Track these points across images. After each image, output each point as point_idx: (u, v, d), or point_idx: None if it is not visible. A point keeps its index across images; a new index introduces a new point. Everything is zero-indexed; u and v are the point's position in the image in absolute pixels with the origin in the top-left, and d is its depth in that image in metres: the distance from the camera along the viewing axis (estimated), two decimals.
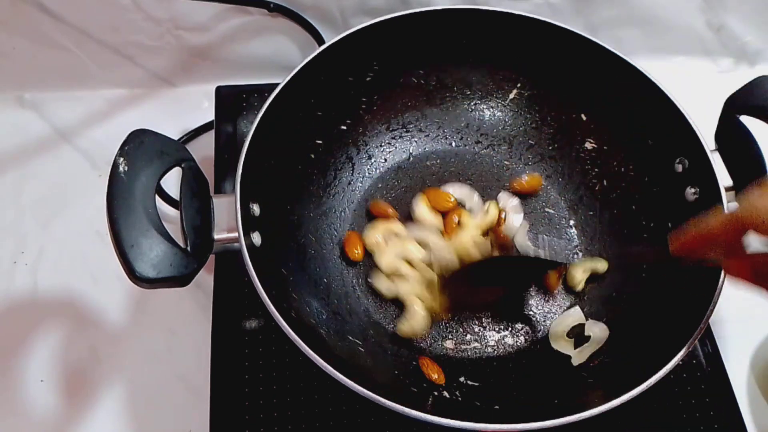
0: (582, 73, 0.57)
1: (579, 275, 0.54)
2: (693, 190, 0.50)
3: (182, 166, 0.44)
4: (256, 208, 0.48)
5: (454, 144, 0.62)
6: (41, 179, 0.64)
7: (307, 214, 0.56)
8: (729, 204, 0.47)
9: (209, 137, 0.65)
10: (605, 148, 0.59)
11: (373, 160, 0.61)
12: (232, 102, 0.66)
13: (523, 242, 0.56)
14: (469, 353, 0.52)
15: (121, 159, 0.40)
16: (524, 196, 0.60)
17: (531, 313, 0.54)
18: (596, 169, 0.59)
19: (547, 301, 0.55)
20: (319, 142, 0.58)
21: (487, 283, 0.52)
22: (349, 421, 0.49)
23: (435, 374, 0.48)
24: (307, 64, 0.51)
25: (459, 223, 0.56)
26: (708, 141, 0.49)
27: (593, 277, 0.55)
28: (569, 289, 0.55)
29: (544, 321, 0.54)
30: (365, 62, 0.57)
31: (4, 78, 0.68)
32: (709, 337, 0.55)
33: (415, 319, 0.51)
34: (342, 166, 0.59)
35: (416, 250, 0.54)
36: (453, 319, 0.53)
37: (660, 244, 0.41)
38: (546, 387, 0.48)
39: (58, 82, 0.69)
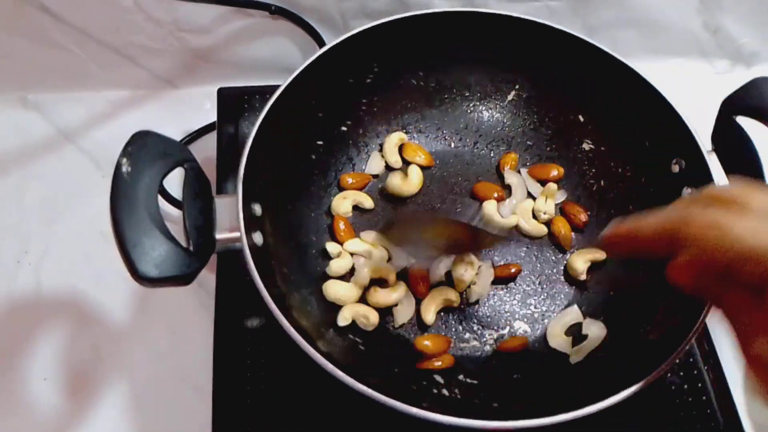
0: (580, 75, 0.57)
1: (580, 265, 0.55)
2: (690, 191, 0.50)
3: (185, 166, 0.44)
4: (257, 208, 0.48)
5: (453, 145, 0.63)
6: (44, 180, 0.65)
7: (308, 214, 0.56)
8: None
9: (211, 138, 0.65)
10: (603, 149, 0.60)
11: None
12: (234, 103, 0.66)
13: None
14: (468, 351, 0.52)
15: (124, 160, 0.40)
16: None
17: (529, 311, 0.54)
18: (594, 170, 0.60)
19: (546, 298, 0.55)
20: (320, 143, 0.58)
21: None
22: (350, 418, 0.50)
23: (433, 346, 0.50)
24: (308, 65, 0.52)
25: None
26: (705, 142, 0.50)
27: (595, 274, 0.56)
28: (573, 279, 0.55)
29: (542, 319, 0.54)
30: (365, 64, 0.58)
31: (7, 79, 0.69)
32: (705, 336, 0.55)
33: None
34: (343, 166, 0.60)
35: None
36: (453, 319, 0.54)
37: None
38: (544, 385, 0.49)
39: (60, 83, 0.70)
